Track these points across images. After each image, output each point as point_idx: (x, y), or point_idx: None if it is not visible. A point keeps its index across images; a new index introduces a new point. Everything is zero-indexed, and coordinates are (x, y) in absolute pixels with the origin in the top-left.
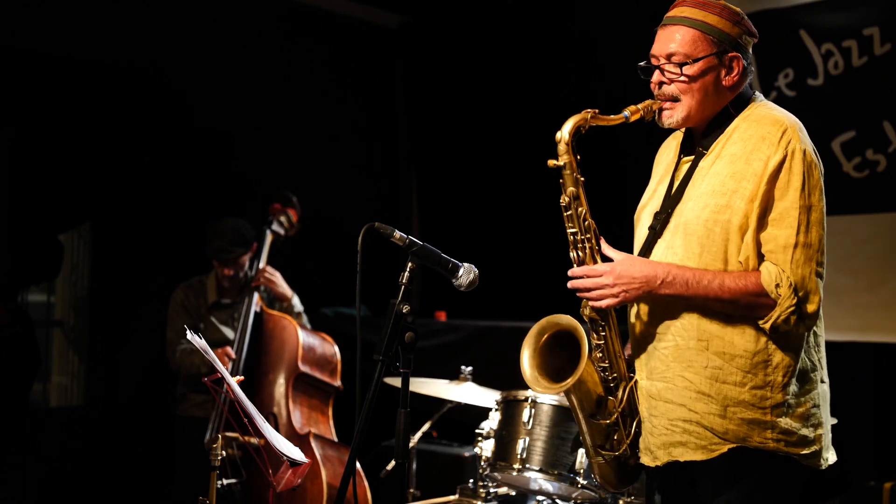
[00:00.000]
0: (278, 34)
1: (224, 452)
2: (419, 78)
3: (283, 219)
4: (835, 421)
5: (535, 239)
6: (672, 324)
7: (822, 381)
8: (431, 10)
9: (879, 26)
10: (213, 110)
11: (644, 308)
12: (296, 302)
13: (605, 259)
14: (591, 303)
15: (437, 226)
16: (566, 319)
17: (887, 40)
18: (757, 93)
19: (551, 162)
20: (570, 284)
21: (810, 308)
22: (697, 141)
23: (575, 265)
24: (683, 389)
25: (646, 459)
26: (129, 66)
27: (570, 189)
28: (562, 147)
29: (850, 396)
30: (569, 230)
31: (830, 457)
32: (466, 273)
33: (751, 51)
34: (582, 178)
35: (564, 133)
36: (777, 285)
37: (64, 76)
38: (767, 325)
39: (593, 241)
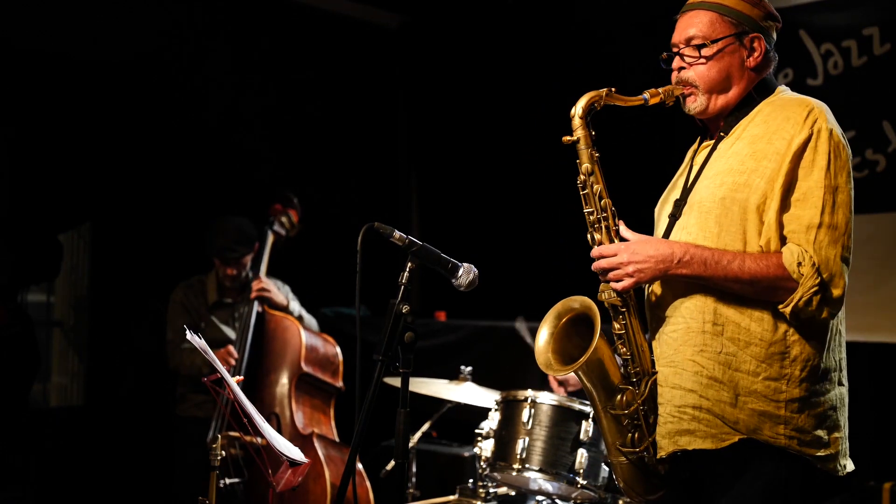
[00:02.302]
0: (278, 34)
1: (225, 452)
2: (419, 78)
3: (283, 219)
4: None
5: (535, 238)
6: (682, 306)
7: (842, 384)
8: (431, 10)
9: (879, 26)
10: (213, 110)
11: (654, 290)
12: (294, 307)
13: (623, 241)
14: (610, 284)
15: (437, 226)
16: (579, 300)
17: (887, 40)
18: (783, 85)
19: (566, 138)
20: (593, 267)
21: (835, 292)
22: (717, 126)
23: (593, 247)
24: (694, 374)
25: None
26: (130, 65)
27: (586, 165)
28: (576, 122)
29: (849, 396)
30: (585, 211)
31: (848, 464)
32: (466, 273)
33: (774, 35)
34: (597, 154)
35: (578, 108)
36: (799, 264)
37: (64, 76)
38: (788, 309)
39: (610, 220)
